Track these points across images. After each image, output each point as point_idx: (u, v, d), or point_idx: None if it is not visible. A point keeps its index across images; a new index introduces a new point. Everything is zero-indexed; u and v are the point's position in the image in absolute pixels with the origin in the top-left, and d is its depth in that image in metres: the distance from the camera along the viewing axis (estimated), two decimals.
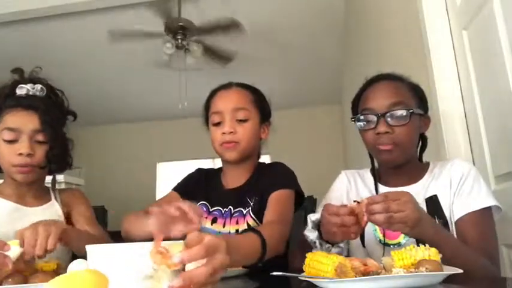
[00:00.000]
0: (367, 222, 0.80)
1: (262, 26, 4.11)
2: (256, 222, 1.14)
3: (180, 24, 3.65)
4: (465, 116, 1.46)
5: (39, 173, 1.21)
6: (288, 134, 5.53)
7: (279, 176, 1.19)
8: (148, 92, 5.79)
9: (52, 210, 1.26)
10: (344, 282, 0.66)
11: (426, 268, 0.67)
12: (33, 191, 1.25)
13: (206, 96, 1.28)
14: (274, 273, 0.70)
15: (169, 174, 6.63)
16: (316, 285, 0.69)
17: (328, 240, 0.91)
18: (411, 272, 0.67)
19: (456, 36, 1.50)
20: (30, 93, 1.20)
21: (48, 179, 1.32)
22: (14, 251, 0.85)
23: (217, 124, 1.18)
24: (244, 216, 1.16)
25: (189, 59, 3.94)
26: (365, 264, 0.72)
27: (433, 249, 0.72)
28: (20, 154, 1.13)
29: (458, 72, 1.49)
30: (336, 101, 5.96)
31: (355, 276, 0.68)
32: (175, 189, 1.27)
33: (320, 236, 0.91)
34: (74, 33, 4.20)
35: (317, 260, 0.72)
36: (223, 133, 1.15)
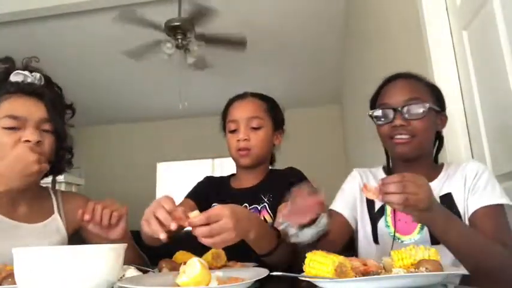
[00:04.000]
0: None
1: (262, 26, 4.11)
2: (272, 218, 1.19)
3: (178, 24, 3.63)
4: (465, 116, 1.46)
5: (43, 171, 0.99)
6: (288, 134, 5.51)
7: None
8: (149, 92, 5.78)
9: (52, 226, 1.10)
10: (344, 282, 0.66)
11: (426, 268, 0.67)
12: (26, 200, 1.05)
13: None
14: (274, 273, 0.71)
15: (169, 174, 6.60)
16: (316, 285, 0.69)
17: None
18: (411, 272, 0.67)
19: (456, 36, 1.50)
20: (29, 80, 1.04)
21: (47, 180, 1.18)
22: None
23: (233, 131, 1.27)
24: (259, 211, 1.21)
25: (189, 59, 3.93)
26: (365, 264, 0.72)
27: (433, 249, 0.72)
28: (27, 141, 0.97)
29: (458, 72, 1.49)
30: (336, 101, 5.96)
31: (355, 276, 0.68)
32: (189, 196, 1.31)
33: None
34: (74, 33, 4.20)
35: (317, 260, 0.71)
36: (238, 140, 1.24)
